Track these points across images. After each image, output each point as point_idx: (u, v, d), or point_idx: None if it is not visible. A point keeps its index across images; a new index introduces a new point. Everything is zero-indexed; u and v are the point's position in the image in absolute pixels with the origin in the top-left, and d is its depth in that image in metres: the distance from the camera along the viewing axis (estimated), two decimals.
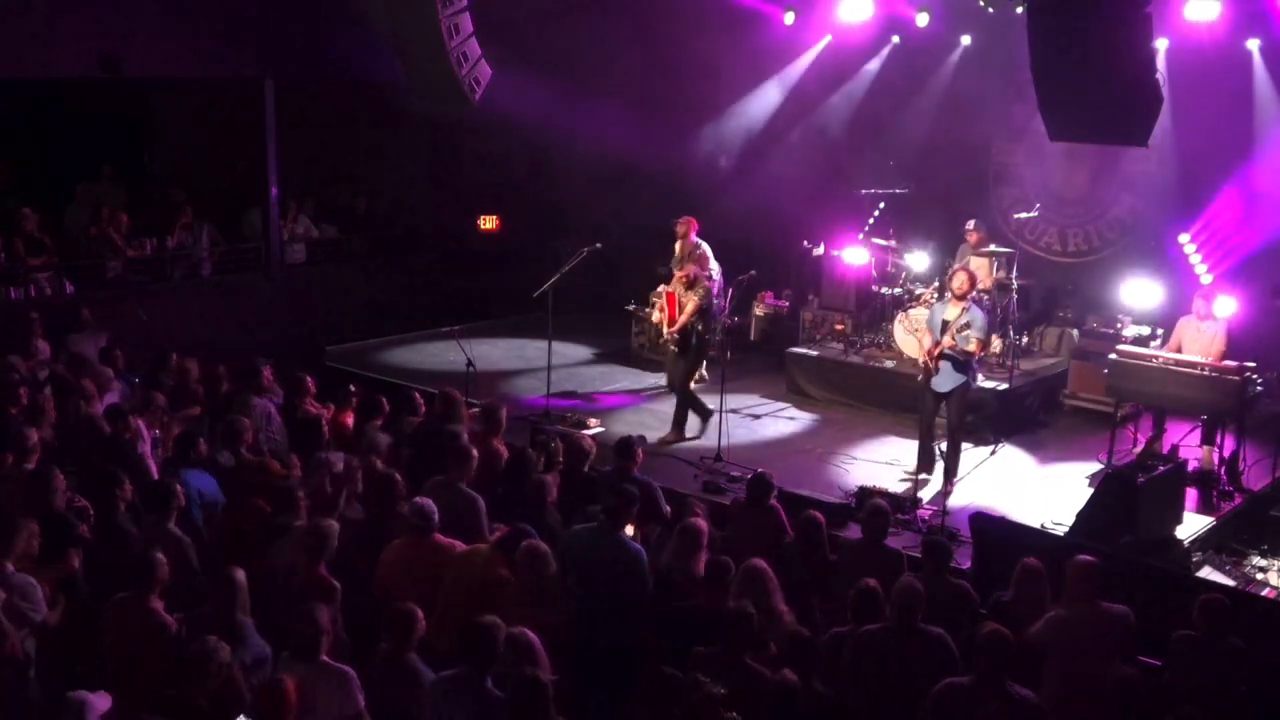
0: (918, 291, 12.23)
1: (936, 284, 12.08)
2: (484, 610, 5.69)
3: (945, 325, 9.52)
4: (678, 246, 12.40)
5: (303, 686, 5.13)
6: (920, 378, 9.78)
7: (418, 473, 7.74)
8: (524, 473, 7.90)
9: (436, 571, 6.47)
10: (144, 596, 5.74)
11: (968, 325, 9.46)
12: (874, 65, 14.12)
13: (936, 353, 9.49)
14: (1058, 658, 6.08)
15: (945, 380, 9.61)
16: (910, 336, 9.70)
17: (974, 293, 9.71)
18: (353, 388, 9.90)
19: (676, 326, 10.85)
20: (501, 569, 6.44)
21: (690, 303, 10.73)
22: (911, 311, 11.60)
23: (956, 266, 10.27)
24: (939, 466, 9.83)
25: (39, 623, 5.87)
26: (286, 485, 7.29)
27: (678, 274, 11.13)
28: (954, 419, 9.70)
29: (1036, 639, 6.13)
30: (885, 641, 5.88)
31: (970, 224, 12.43)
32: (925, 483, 9.72)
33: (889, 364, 12.01)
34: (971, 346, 9.49)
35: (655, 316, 11.06)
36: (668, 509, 7.92)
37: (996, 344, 12.04)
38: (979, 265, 12.25)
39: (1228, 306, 10.62)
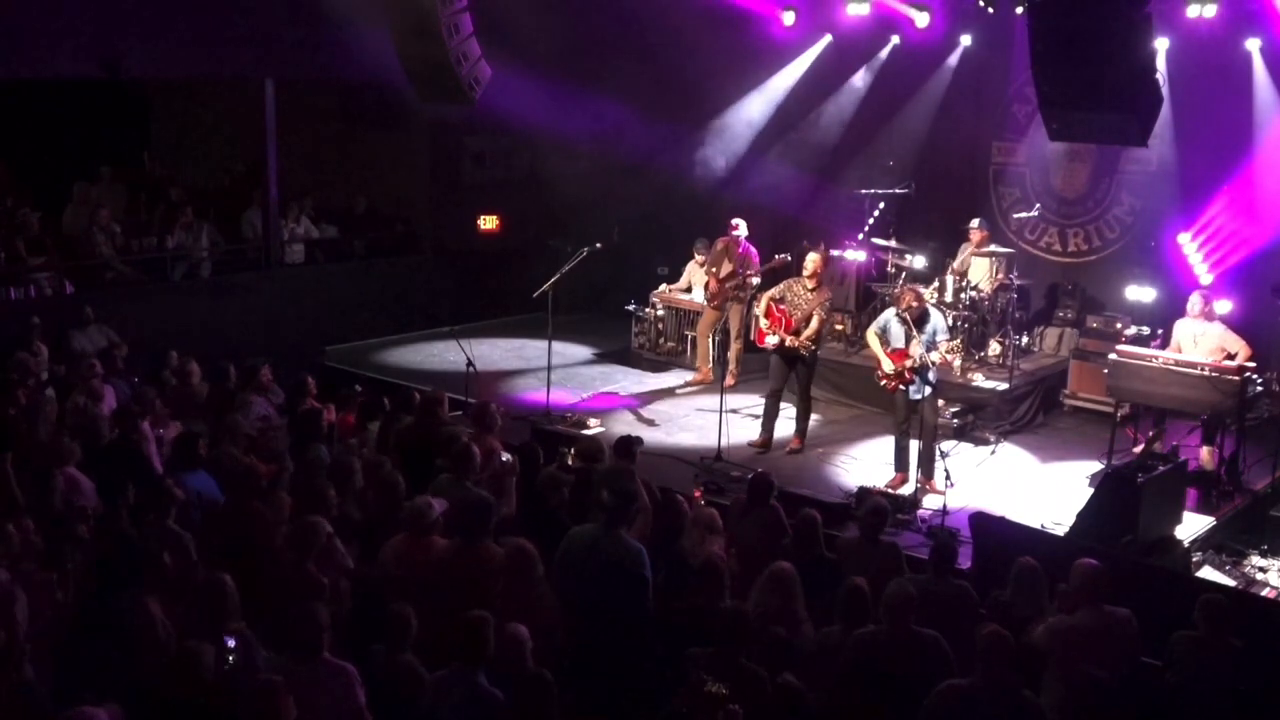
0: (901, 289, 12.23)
1: (936, 284, 12.09)
2: (473, 605, 5.67)
3: (908, 335, 9.56)
4: (720, 254, 12.40)
5: (304, 685, 5.13)
6: (888, 385, 9.76)
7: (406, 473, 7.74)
8: (532, 470, 7.94)
9: (434, 570, 6.45)
10: (141, 594, 5.73)
11: (934, 335, 9.54)
12: (874, 65, 14.10)
13: (913, 366, 9.49)
14: (1061, 662, 6.06)
15: (917, 389, 9.62)
16: (871, 337, 9.85)
17: (922, 304, 9.73)
18: (358, 388, 9.92)
19: (808, 336, 10.42)
20: (489, 563, 6.43)
21: (818, 316, 10.44)
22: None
23: (904, 288, 10.28)
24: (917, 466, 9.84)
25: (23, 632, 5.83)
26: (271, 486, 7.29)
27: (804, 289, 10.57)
28: (930, 420, 9.71)
29: (1039, 644, 6.12)
30: (880, 644, 5.87)
31: (974, 223, 12.46)
32: (905, 481, 9.73)
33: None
34: (938, 357, 9.54)
35: (770, 330, 10.48)
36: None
37: (996, 345, 12.06)
38: (979, 265, 12.28)
39: (1222, 306, 10.65)
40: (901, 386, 9.68)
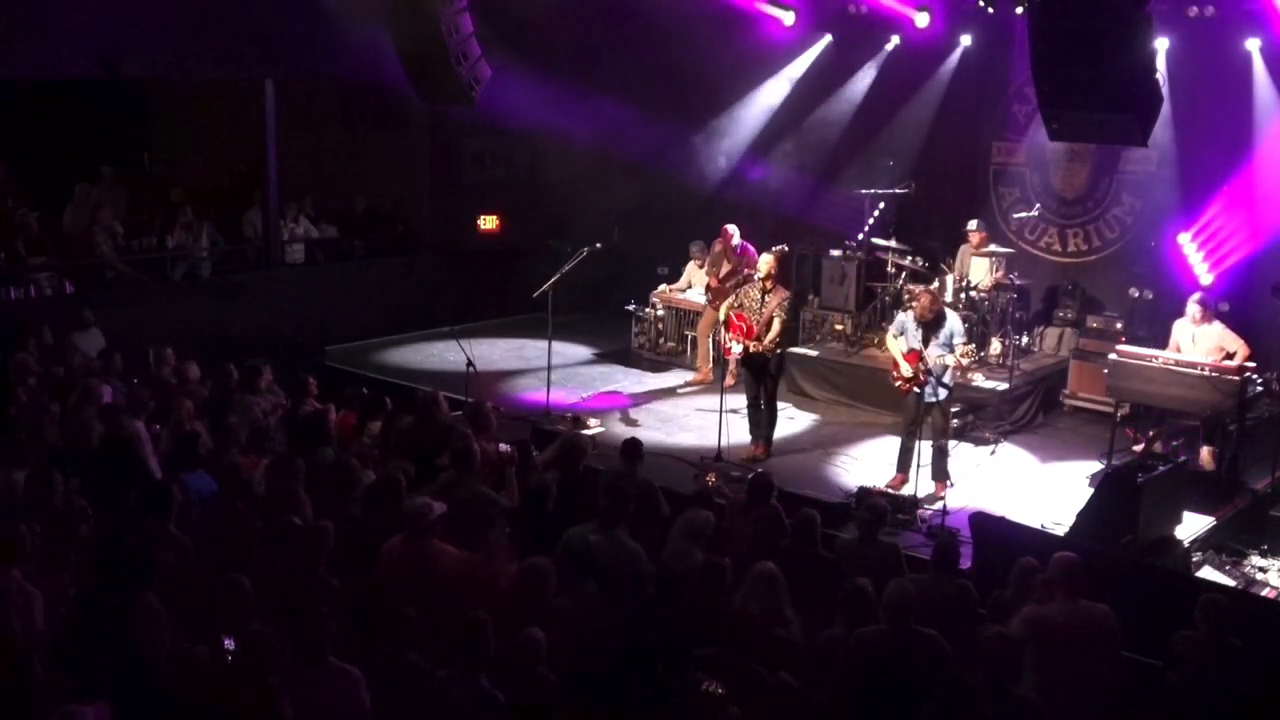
0: (917, 291, 12.23)
1: (936, 284, 12.08)
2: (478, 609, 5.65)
3: (925, 338, 9.48)
4: (720, 255, 12.42)
5: (308, 688, 5.12)
6: (902, 386, 9.69)
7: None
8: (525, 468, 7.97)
9: (433, 572, 6.43)
10: (139, 595, 5.73)
11: (950, 338, 9.46)
12: (874, 65, 14.09)
13: (926, 369, 9.44)
14: (1036, 653, 6.05)
15: (932, 391, 9.52)
16: (891, 339, 9.79)
17: (938, 306, 9.68)
18: (365, 390, 9.93)
19: (772, 339, 10.21)
20: (504, 575, 6.42)
21: (779, 319, 10.20)
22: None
23: (921, 292, 10.20)
24: (922, 469, 9.77)
25: (36, 632, 5.84)
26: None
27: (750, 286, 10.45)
28: (940, 423, 9.68)
29: (1014, 633, 6.11)
30: (880, 644, 5.88)
31: (973, 224, 12.44)
32: (906, 482, 9.67)
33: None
34: (952, 360, 9.44)
35: (733, 339, 10.34)
36: (668, 509, 7.93)
37: (996, 344, 12.06)
38: (979, 265, 12.28)
39: (1220, 307, 10.67)
40: (915, 389, 9.59)
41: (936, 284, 12.09)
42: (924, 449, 9.64)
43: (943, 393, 9.54)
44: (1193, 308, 10.40)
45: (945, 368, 9.44)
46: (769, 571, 6.43)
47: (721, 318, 10.62)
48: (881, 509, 7.48)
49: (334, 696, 5.23)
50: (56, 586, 6.17)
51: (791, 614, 6.40)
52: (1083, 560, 6.36)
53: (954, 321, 9.65)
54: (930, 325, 9.51)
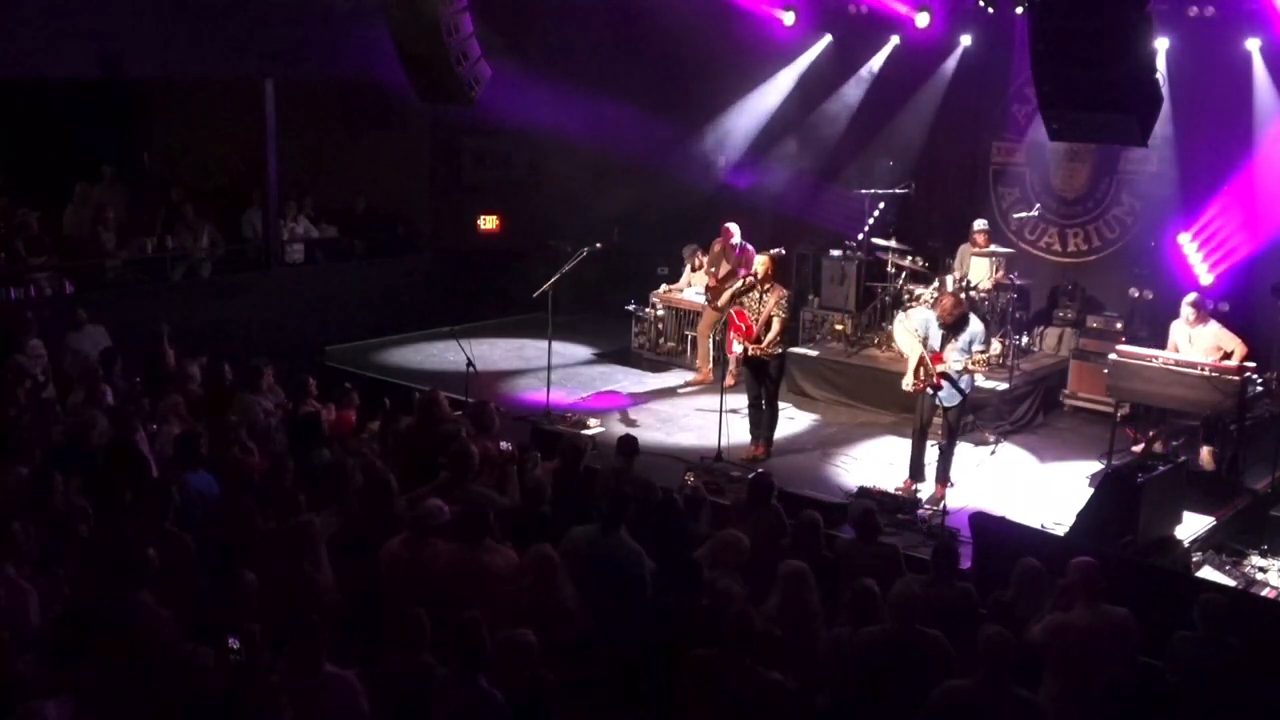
0: (917, 291, 12.24)
1: (936, 284, 12.08)
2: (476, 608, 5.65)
3: (945, 339, 9.40)
4: (719, 255, 12.44)
5: (306, 695, 5.12)
6: (915, 385, 9.59)
7: (409, 473, 7.75)
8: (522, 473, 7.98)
9: (432, 572, 6.42)
10: (137, 595, 5.73)
11: (970, 343, 9.36)
12: (874, 65, 14.10)
13: (940, 369, 9.37)
14: (1059, 659, 6.07)
15: (949, 394, 9.46)
16: (910, 336, 9.68)
17: (961, 308, 9.61)
18: (347, 385, 9.93)
19: (770, 340, 10.24)
20: (492, 565, 6.42)
21: (777, 319, 10.23)
22: (911, 311, 11.57)
23: (944, 294, 10.13)
24: (929, 474, 9.74)
25: (30, 629, 5.84)
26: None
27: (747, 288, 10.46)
28: (954, 423, 9.66)
29: (1037, 640, 6.12)
30: (883, 644, 5.87)
31: (980, 224, 12.42)
32: (917, 491, 9.65)
33: (887, 360, 11.99)
34: (960, 365, 9.32)
35: (734, 339, 10.45)
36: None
37: (996, 344, 12.03)
38: (979, 265, 12.27)
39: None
40: (929, 390, 9.49)
41: (936, 283, 12.09)
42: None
43: (957, 397, 9.47)
44: (1186, 310, 10.39)
45: (960, 372, 9.37)
46: (798, 570, 6.40)
47: (722, 303, 10.62)
48: (870, 510, 7.51)
49: (331, 701, 5.22)
50: (53, 584, 6.17)
51: (819, 610, 6.38)
52: (1100, 563, 6.35)
53: (976, 327, 9.50)
54: (952, 328, 9.40)
